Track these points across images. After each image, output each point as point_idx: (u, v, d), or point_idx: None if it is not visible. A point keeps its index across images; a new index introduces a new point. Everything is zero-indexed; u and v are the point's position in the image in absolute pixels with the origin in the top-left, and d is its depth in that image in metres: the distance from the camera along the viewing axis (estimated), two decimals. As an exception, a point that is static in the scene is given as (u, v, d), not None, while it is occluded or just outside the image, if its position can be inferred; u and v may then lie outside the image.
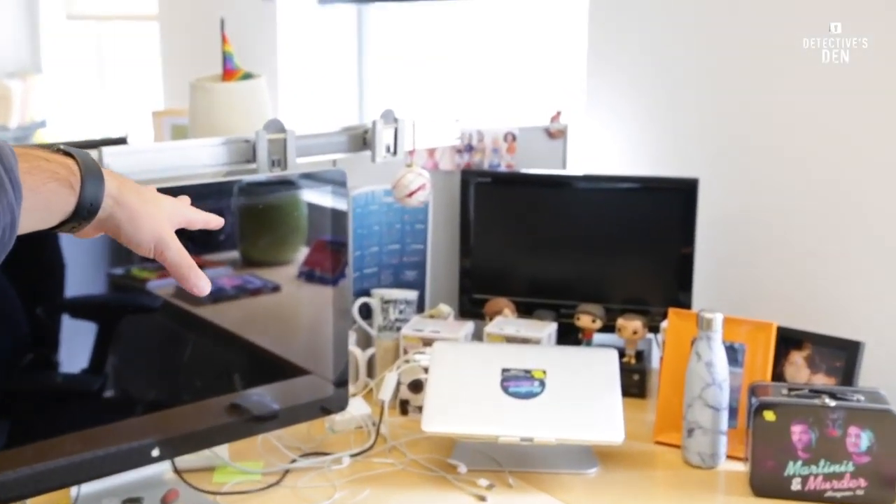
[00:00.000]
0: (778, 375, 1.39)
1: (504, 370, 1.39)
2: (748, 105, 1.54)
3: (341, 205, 1.30)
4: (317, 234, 1.31)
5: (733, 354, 1.39)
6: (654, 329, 1.63)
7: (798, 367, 1.39)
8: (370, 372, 1.64)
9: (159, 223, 0.72)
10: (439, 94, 2.31)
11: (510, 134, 1.82)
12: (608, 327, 1.64)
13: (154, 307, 1.19)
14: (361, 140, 1.55)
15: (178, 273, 0.73)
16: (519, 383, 1.37)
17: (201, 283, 0.74)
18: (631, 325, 1.61)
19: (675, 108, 1.76)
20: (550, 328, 1.59)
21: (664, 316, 1.54)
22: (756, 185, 1.67)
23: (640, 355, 1.64)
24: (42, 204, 0.66)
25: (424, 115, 1.68)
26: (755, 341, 1.38)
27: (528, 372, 1.39)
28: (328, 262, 1.30)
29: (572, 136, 1.84)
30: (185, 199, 0.77)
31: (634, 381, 1.60)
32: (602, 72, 1.83)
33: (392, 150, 1.57)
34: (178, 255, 0.73)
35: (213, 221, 0.79)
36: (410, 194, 1.57)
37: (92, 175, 0.69)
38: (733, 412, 1.37)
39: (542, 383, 1.37)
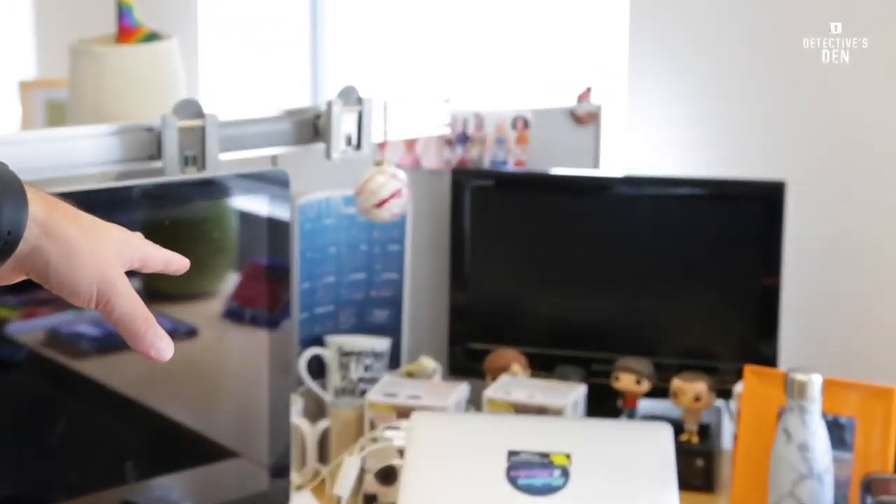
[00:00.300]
0: None
1: (512, 454, 1.38)
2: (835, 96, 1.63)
3: (283, 216, 1.30)
4: (248, 257, 1.31)
5: (839, 433, 1.38)
6: (725, 394, 1.63)
7: (934, 450, 1.39)
8: (322, 455, 1.63)
9: (104, 260, 0.71)
10: (422, 65, 2.29)
11: (521, 119, 1.83)
12: (659, 391, 1.64)
13: (14, 361, 1.18)
14: (312, 128, 1.56)
15: (130, 329, 0.72)
16: (533, 473, 1.36)
17: (161, 345, 0.72)
18: (692, 388, 1.60)
19: (749, 90, 1.76)
20: (577, 392, 1.58)
21: (738, 376, 1.54)
22: (863, 195, 1.68)
23: (704, 431, 1.63)
24: None
25: (401, 94, 1.74)
26: (870, 414, 1.38)
27: (545, 456, 1.37)
28: (264, 297, 1.31)
29: (608, 122, 1.85)
30: (137, 234, 0.77)
31: (697, 469, 1.58)
32: (649, 33, 1.84)
33: (355, 141, 1.58)
34: (130, 304, 0.72)
35: (176, 262, 0.78)
36: (381, 203, 1.56)
37: (10, 192, 0.68)
38: (838, 515, 1.38)
39: (566, 472, 1.36)
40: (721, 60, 1.79)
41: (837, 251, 1.72)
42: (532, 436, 1.39)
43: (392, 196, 1.56)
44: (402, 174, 1.59)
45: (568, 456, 1.37)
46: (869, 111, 1.51)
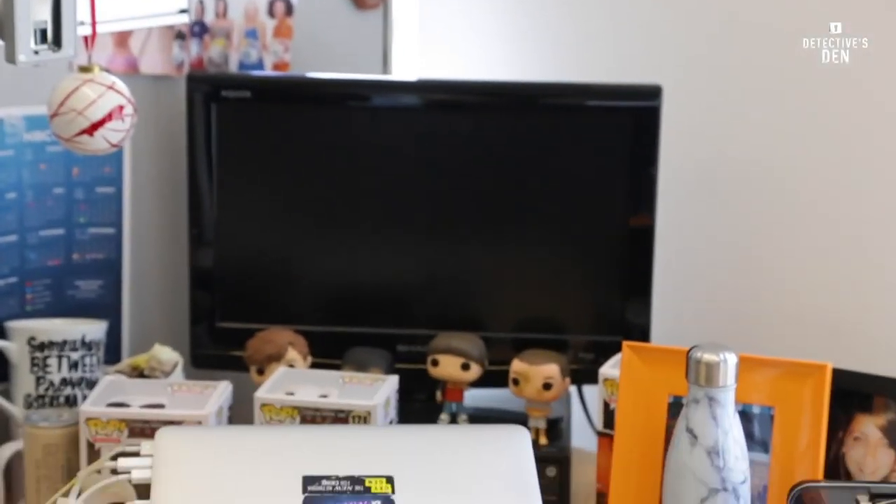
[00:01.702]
0: (834, 463, 1.40)
1: (308, 481, 1.31)
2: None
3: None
4: None
5: (749, 428, 1.38)
6: (585, 377, 1.66)
7: (870, 445, 1.41)
8: (13, 496, 1.61)
9: None
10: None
11: (281, 1, 1.83)
12: (492, 377, 1.65)
13: None
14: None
15: None
16: None
17: None
18: (540, 371, 1.60)
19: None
20: (387, 386, 1.55)
21: (597, 353, 1.60)
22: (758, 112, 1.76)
23: (554, 429, 1.65)
24: None
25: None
26: (793, 401, 1.38)
27: (357, 482, 1.31)
28: None
29: (401, 5, 1.90)
30: None
31: (549, 480, 1.60)
32: None
33: (50, 36, 1.49)
34: None
35: None
36: (93, 128, 1.48)
37: None
38: (754, 539, 1.37)
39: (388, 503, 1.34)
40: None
41: (731, 180, 1.77)
42: (335, 454, 1.33)
43: (109, 117, 1.48)
44: (121, 84, 1.51)
45: (389, 480, 1.32)
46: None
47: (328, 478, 1.30)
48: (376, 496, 1.29)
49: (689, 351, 1.30)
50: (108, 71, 1.56)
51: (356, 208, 1.74)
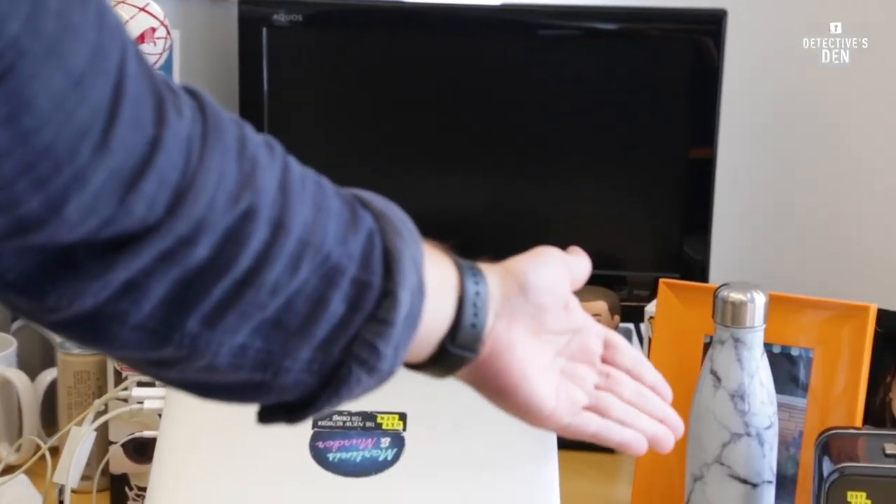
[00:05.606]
0: (877, 411, 1.41)
1: (318, 417, 1.25)
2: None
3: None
4: None
5: (789, 370, 1.39)
6: (633, 316, 1.66)
7: (916, 394, 1.43)
8: (48, 420, 1.63)
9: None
10: None
11: None
12: None
13: None
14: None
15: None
16: (349, 443, 1.31)
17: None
18: (587, 308, 1.56)
19: None
20: None
21: (654, 290, 1.58)
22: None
23: None
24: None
25: None
26: (833, 343, 1.38)
27: (368, 418, 1.32)
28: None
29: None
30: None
31: None
32: None
33: None
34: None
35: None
36: None
37: (474, 275, 0.85)
38: (785, 484, 1.38)
39: (398, 442, 1.31)
40: None
41: (798, 111, 1.78)
42: (348, 388, 1.33)
43: (141, 39, 1.54)
44: (155, 7, 1.55)
45: (401, 417, 1.33)
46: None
47: (339, 412, 1.31)
48: (387, 433, 1.30)
49: (716, 289, 1.30)
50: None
51: (410, 140, 1.75)
